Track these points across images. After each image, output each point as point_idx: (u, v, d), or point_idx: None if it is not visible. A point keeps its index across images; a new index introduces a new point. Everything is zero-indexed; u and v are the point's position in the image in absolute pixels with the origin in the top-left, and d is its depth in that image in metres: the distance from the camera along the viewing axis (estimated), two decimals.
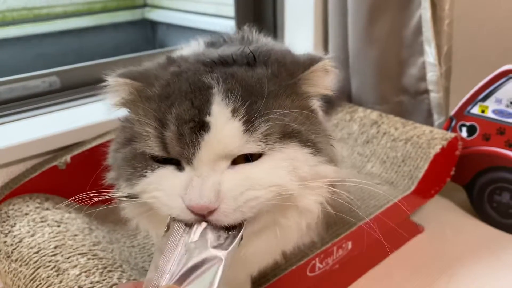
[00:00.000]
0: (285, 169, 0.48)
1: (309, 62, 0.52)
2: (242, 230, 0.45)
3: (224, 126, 0.45)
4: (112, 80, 0.53)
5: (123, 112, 0.56)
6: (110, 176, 0.56)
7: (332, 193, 0.54)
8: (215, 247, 0.43)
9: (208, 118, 0.46)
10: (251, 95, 0.47)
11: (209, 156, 0.45)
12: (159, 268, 0.42)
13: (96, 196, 0.51)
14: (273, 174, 0.47)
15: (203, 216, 0.45)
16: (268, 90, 0.49)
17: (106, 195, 0.52)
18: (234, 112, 0.46)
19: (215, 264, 0.42)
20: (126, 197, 0.52)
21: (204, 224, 0.44)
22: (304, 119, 0.51)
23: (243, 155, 0.47)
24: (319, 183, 0.51)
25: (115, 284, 0.64)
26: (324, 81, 0.53)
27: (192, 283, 0.41)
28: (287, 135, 0.48)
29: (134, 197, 0.50)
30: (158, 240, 0.47)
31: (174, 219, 0.44)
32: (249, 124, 0.46)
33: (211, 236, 0.44)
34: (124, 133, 0.53)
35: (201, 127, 0.46)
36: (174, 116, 0.46)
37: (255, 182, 0.46)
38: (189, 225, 0.44)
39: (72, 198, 0.53)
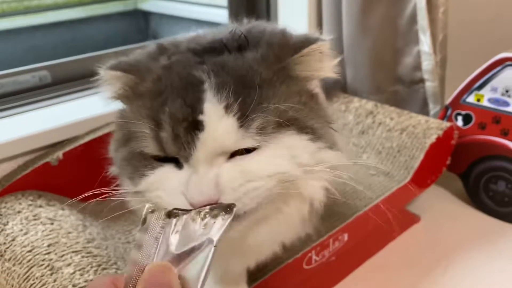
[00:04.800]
0: (284, 158, 0.47)
1: (301, 44, 0.50)
2: (232, 213, 0.43)
3: (218, 124, 0.45)
4: (103, 73, 0.52)
5: (119, 104, 0.55)
6: (113, 170, 0.56)
7: (334, 176, 0.53)
8: (203, 234, 0.41)
9: (201, 117, 0.45)
10: (244, 87, 0.46)
11: (205, 154, 0.45)
12: (138, 264, 0.40)
13: (104, 192, 0.51)
14: (272, 163, 0.47)
15: None
16: (261, 78, 0.47)
17: (112, 190, 0.52)
18: (227, 108, 0.45)
19: (206, 248, 0.40)
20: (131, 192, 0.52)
21: (184, 217, 0.42)
22: (302, 105, 0.50)
23: (240, 149, 0.46)
24: (321, 167, 0.50)
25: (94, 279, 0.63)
26: (319, 64, 0.51)
27: (184, 269, 0.40)
28: (283, 123, 0.47)
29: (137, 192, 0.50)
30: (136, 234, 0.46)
31: (151, 211, 0.43)
32: (243, 119, 0.45)
33: (195, 226, 0.42)
34: (121, 131, 0.52)
35: (195, 126, 0.45)
36: (167, 115, 0.46)
37: (253, 173, 0.46)
38: (168, 215, 0.42)
39: (79, 197, 0.54)
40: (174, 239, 0.41)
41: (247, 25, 0.59)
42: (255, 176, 0.46)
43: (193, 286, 0.39)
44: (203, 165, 0.45)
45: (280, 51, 0.50)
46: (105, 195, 0.53)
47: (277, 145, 0.47)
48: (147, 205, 0.43)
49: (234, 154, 0.47)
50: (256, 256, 0.62)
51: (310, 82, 0.53)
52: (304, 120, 0.49)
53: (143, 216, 0.42)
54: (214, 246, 0.40)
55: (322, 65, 0.52)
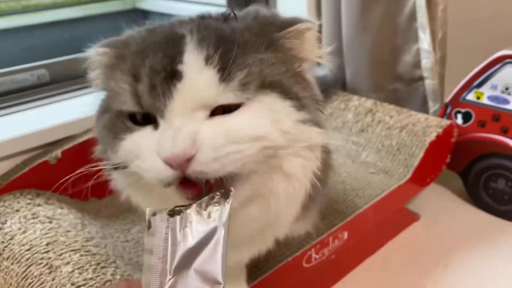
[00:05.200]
0: (266, 120, 0.45)
1: (288, 22, 0.50)
2: (231, 197, 0.43)
3: (198, 74, 0.44)
4: (92, 52, 0.51)
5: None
6: (97, 149, 0.55)
7: (321, 164, 0.53)
8: (209, 222, 0.41)
9: (180, 67, 0.44)
10: (226, 43, 0.45)
11: (182, 105, 0.43)
12: (153, 268, 0.40)
13: (87, 172, 0.50)
14: (254, 124, 0.45)
15: (182, 170, 0.43)
16: (244, 39, 0.47)
17: (95, 167, 0.51)
18: (208, 59, 0.44)
19: (217, 234, 0.40)
20: (115, 168, 0.50)
21: (188, 211, 0.42)
22: (287, 73, 0.49)
23: (221, 108, 0.45)
24: (304, 146, 0.49)
25: (109, 280, 0.63)
26: (305, 45, 0.51)
27: (202, 261, 0.40)
28: (267, 84, 0.46)
29: (124, 167, 0.49)
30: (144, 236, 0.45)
31: (153, 214, 0.42)
32: (224, 73, 0.44)
33: (200, 217, 0.42)
34: (103, 101, 0.52)
35: (173, 76, 0.44)
36: (147, 68, 0.45)
37: (235, 134, 0.44)
38: (171, 214, 0.42)
39: (65, 179, 0.52)
40: (183, 235, 0.41)
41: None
42: (238, 137, 0.44)
43: (214, 275, 0.39)
44: (179, 118, 0.43)
45: (266, 26, 0.50)
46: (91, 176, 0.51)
47: (259, 104, 0.45)
48: (148, 209, 0.42)
49: (213, 114, 0.45)
50: (249, 250, 0.61)
51: (296, 62, 0.51)
52: (289, 85, 0.48)
53: (147, 220, 0.42)
54: (224, 230, 0.40)
55: (308, 47, 0.51)
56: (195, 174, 0.43)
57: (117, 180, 0.54)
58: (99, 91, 0.54)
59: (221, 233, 0.40)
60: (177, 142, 0.42)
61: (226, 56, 0.44)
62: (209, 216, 0.42)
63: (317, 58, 0.52)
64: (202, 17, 0.52)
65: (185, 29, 0.47)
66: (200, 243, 0.40)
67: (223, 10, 0.53)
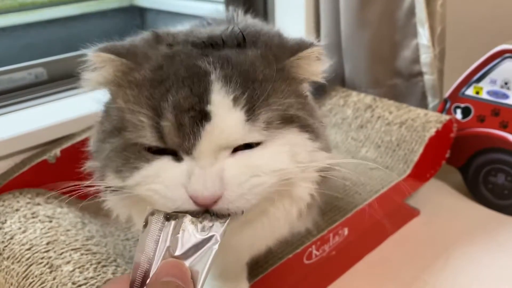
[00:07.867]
0: (286, 154, 0.47)
1: (297, 47, 0.50)
2: (228, 218, 0.44)
3: (226, 116, 0.44)
4: (93, 55, 0.49)
5: (105, 94, 0.53)
6: (91, 165, 0.53)
7: (322, 180, 0.54)
8: (201, 236, 0.41)
9: (209, 107, 0.44)
10: (249, 82, 0.46)
11: (210, 146, 0.44)
12: (140, 267, 0.39)
13: (79, 188, 0.49)
14: (275, 159, 0.46)
15: (208, 207, 0.43)
16: (264, 75, 0.47)
17: (89, 184, 0.50)
18: (235, 100, 0.44)
19: (206, 249, 0.40)
20: (111, 188, 0.50)
21: (183, 219, 0.42)
22: (301, 104, 0.50)
23: (243, 144, 0.46)
24: (312, 169, 0.51)
25: (110, 279, 0.63)
26: (313, 67, 0.52)
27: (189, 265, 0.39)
28: (287, 120, 0.48)
29: (121, 188, 0.48)
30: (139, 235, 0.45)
31: (152, 213, 0.42)
32: (250, 113, 0.44)
33: (194, 228, 0.42)
34: (110, 121, 0.50)
35: (202, 116, 0.43)
36: (171, 103, 0.44)
37: (258, 169, 0.45)
38: (167, 218, 0.42)
39: (59, 190, 0.52)
40: (173, 241, 0.40)
41: (241, 24, 0.59)
42: (260, 171, 0.45)
43: None
44: (206, 158, 0.44)
45: (278, 52, 0.50)
46: (77, 192, 0.50)
47: (280, 140, 0.47)
48: (148, 208, 0.42)
49: (235, 150, 0.46)
50: (249, 252, 0.62)
51: (303, 84, 0.53)
52: (306, 118, 0.50)
53: (145, 218, 0.42)
54: (214, 247, 0.40)
55: (315, 69, 0.52)
56: (220, 211, 0.44)
57: (110, 201, 0.54)
58: (91, 91, 0.52)
59: (211, 248, 0.40)
60: (208, 184, 0.43)
61: (252, 96, 0.45)
62: (203, 229, 0.41)
63: (319, 78, 0.53)
64: (216, 44, 0.51)
65: (207, 62, 0.47)
66: (187, 253, 0.40)
67: (232, 29, 0.53)
